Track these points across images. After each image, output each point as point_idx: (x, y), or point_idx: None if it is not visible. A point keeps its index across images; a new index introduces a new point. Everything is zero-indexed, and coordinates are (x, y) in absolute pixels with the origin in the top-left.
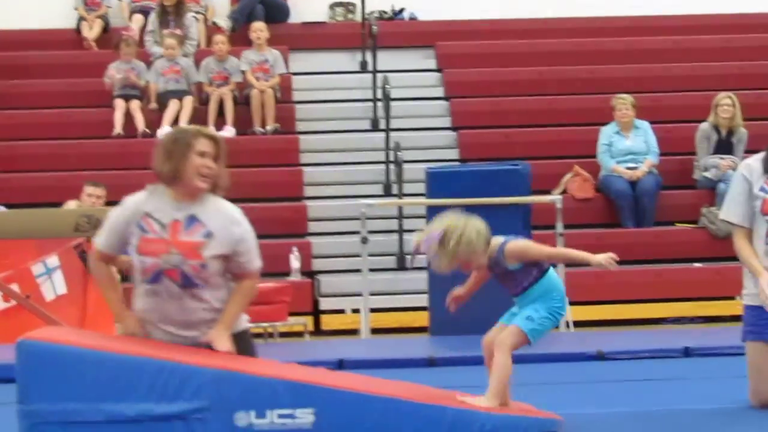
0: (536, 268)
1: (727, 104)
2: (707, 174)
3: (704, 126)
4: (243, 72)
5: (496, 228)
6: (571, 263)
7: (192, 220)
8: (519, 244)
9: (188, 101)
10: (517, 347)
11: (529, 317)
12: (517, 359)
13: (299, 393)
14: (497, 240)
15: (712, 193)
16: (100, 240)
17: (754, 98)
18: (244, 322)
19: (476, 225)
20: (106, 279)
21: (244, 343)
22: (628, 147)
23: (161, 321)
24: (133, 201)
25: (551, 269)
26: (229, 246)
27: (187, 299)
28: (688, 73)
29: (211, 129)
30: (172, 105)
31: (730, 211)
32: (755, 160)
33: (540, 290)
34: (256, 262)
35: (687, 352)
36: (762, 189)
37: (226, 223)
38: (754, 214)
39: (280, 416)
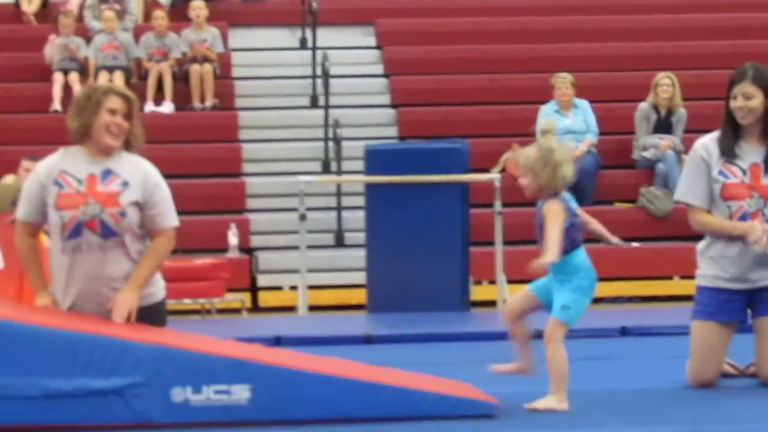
0: (566, 240)
1: (666, 84)
2: (646, 154)
3: (643, 106)
4: (184, 54)
5: (434, 206)
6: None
7: (107, 173)
8: (552, 209)
9: (118, 75)
10: (562, 337)
11: (565, 306)
12: (456, 338)
13: (236, 369)
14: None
15: (650, 172)
16: (20, 211)
17: (694, 78)
18: (161, 293)
19: (568, 167)
20: (28, 252)
21: (157, 315)
22: (568, 126)
23: (81, 280)
24: (45, 164)
25: (581, 249)
26: (143, 193)
27: (108, 251)
28: (629, 52)
29: (122, 87)
30: (102, 78)
31: (689, 192)
32: (711, 141)
33: (567, 266)
34: (170, 220)
35: (624, 332)
36: (721, 173)
37: (141, 172)
38: (713, 197)
39: (217, 392)
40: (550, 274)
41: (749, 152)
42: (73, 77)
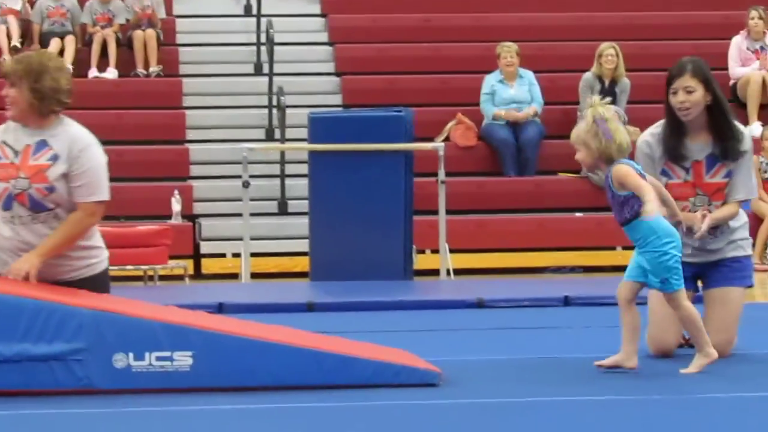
0: (638, 202)
1: (610, 54)
2: None
3: (587, 76)
4: (128, 20)
5: (378, 174)
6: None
7: (42, 144)
8: (622, 168)
9: (70, 41)
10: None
11: (664, 281)
12: (399, 306)
13: (178, 336)
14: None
15: None
16: None
17: (639, 49)
18: (103, 264)
19: (620, 134)
20: None
21: (99, 286)
22: (512, 96)
23: (15, 250)
24: None
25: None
26: (68, 164)
27: (38, 224)
28: (573, 22)
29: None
30: (54, 45)
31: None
32: (653, 138)
33: (645, 229)
34: (91, 194)
35: (567, 301)
36: (664, 172)
37: (70, 142)
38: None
39: (158, 358)
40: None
41: (692, 149)
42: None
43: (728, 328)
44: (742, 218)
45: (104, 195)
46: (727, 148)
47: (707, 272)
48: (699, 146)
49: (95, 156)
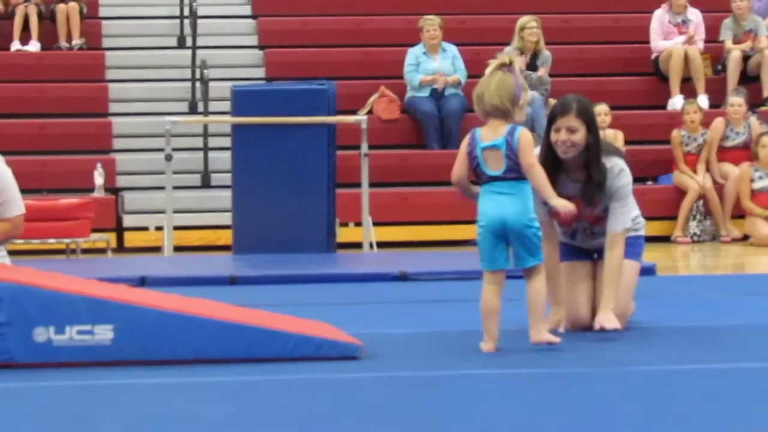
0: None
1: (533, 26)
2: None
3: (509, 49)
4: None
5: (301, 147)
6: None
7: None
8: (531, 138)
9: None
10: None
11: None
12: (321, 279)
13: (99, 309)
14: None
15: None
16: None
17: (560, 22)
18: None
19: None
20: None
21: None
22: (436, 68)
23: None
24: None
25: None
26: None
27: None
28: None
29: None
30: None
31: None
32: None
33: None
34: (13, 208)
35: None
36: (544, 202)
37: None
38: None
39: (80, 332)
40: None
41: (568, 185)
42: None
43: (621, 299)
44: (635, 208)
45: (22, 208)
46: (593, 190)
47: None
48: (574, 183)
49: (7, 172)
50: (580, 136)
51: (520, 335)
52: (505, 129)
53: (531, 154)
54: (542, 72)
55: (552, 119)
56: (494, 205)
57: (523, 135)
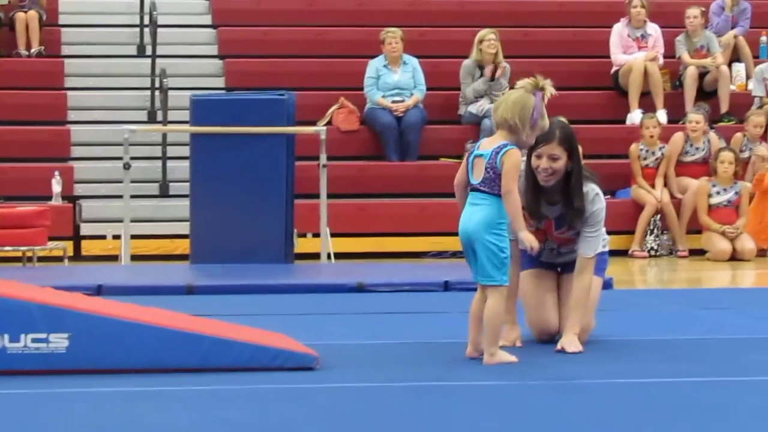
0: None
1: (492, 39)
2: (472, 109)
3: (468, 62)
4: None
5: (259, 157)
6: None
7: None
8: (518, 159)
9: None
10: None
11: None
12: (278, 289)
13: (54, 317)
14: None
15: (476, 128)
16: None
17: (520, 35)
18: None
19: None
20: None
21: None
22: (396, 81)
23: None
24: None
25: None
26: None
27: None
28: (455, 8)
29: None
30: None
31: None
32: None
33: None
34: None
35: (446, 286)
36: None
37: None
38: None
39: (34, 340)
40: None
41: (546, 208)
42: None
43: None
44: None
45: None
46: (572, 216)
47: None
48: (552, 207)
49: None
50: (562, 163)
51: None
52: (498, 143)
53: (512, 179)
54: (500, 73)
55: (534, 145)
56: (464, 216)
57: (509, 156)
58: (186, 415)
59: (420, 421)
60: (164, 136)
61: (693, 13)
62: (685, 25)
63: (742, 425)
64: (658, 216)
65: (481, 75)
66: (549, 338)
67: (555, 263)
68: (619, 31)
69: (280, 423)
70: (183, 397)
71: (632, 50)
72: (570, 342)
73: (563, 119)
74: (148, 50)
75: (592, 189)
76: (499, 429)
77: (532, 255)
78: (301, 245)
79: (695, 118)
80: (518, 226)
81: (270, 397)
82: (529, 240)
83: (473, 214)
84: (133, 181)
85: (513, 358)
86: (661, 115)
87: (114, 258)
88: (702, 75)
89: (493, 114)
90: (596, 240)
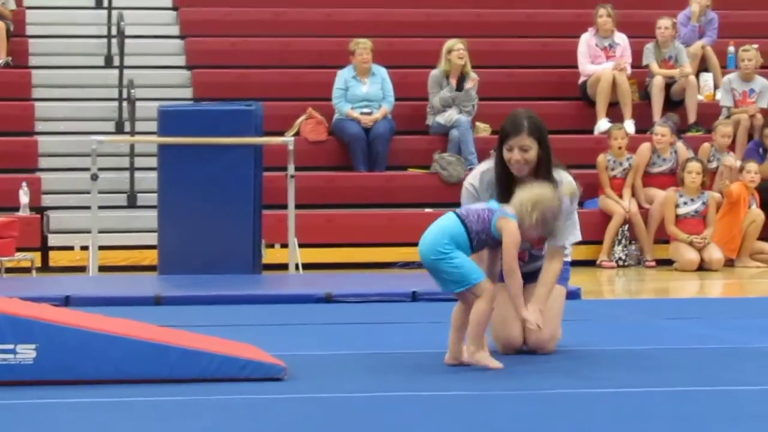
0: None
1: (460, 49)
2: (440, 120)
3: (435, 72)
4: None
5: (227, 168)
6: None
7: None
8: (515, 232)
9: None
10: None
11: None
12: (246, 300)
13: (21, 328)
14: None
15: (444, 138)
16: None
17: (488, 46)
18: None
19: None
20: None
21: None
22: (365, 93)
23: None
24: None
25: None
26: None
27: None
28: (423, 18)
29: None
30: None
31: None
32: (481, 185)
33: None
34: None
35: (414, 296)
36: None
37: None
38: None
39: (1, 351)
40: None
41: None
42: None
43: (549, 322)
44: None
45: None
46: None
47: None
48: None
49: None
50: (533, 153)
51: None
52: (506, 207)
53: (513, 257)
54: (470, 85)
55: (504, 138)
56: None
57: (508, 229)
58: (153, 426)
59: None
60: (132, 146)
61: (664, 24)
62: (656, 36)
63: None
64: (626, 226)
65: (450, 85)
66: (513, 352)
67: (525, 273)
68: (587, 41)
69: None
70: (150, 408)
71: (600, 60)
72: (533, 312)
73: (530, 110)
74: (116, 61)
75: (564, 177)
76: None
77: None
78: (269, 256)
79: (661, 131)
80: (519, 306)
81: (238, 407)
82: (532, 320)
83: (426, 234)
84: (100, 192)
85: (496, 364)
86: (629, 126)
87: (82, 269)
88: (669, 85)
89: (516, 192)
90: (567, 228)
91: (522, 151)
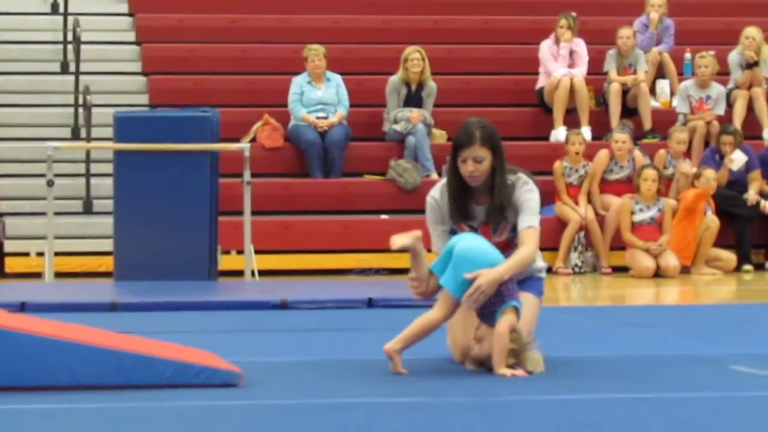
0: None
1: (416, 58)
2: (396, 127)
3: (393, 79)
4: None
5: (183, 174)
6: None
7: None
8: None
9: None
10: None
11: None
12: (202, 306)
13: None
14: None
15: (401, 145)
16: None
17: (445, 53)
18: None
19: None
20: None
21: None
22: (319, 98)
23: None
24: None
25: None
26: None
27: None
28: (379, 25)
29: None
30: None
31: (435, 245)
32: (442, 199)
33: None
34: None
35: (370, 303)
36: (453, 231)
37: None
38: None
39: None
40: None
41: (477, 211)
42: None
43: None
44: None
45: None
46: (498, 209)
47: None
48: (483, 208)
49: None
50: (487, 164)
51: (418, 363)
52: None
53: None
54: (426, 93)
55: (457, 149)
56: None
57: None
58: None
59: None
60: (88, 153)
61: (626, 33)
62: (617, 44)
63: None
64: (582, 233)
65: (408, 93)
66: (475, 363)
67: None
68: (546, 48)
69: None
70: (105, 414)
71: (559, 67)
72: (486, 275)
73: (482, 119)
74: (72, 67)
75: (520, 177)
76: None
77: None
78: (225, 262)
79: (621, 137)
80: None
81: (193, 414)
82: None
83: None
84: (56, 198)
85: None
86: (586, 132)
87: (38, 275)
88: (625, 92)
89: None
90: (535, 217)
91: (476, 163)
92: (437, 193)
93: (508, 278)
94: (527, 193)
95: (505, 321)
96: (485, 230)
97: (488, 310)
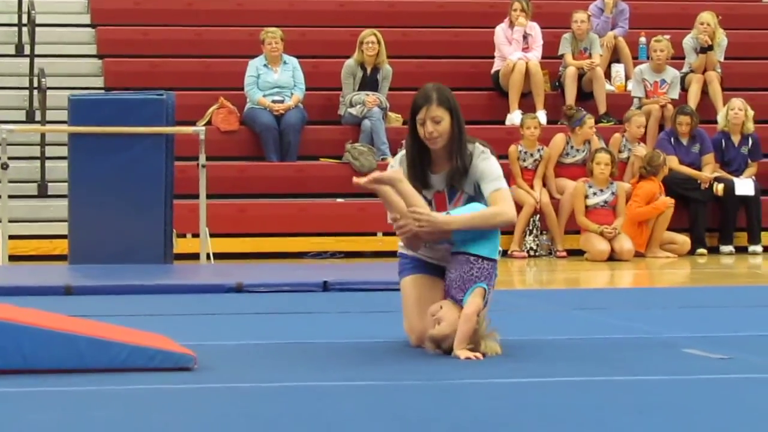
0: None
1: (372, 42)
2: (352, 110)
3: (349, 62)
4: None
5: (138, 157)
6: None
7: None
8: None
9: None
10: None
11: None
12: (157, 290)
13: None
14: None
15: (356, 129)
16: None
17: (400, 36)
18: None
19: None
20: None
21: None
22: (276, 80)
23: None
24: None
25: None
26: None
27: None
28: (335, 8)
29: None
30: None
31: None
32: (400, 167)
33: None
34: None
35: (325, 286)
36: None
37: None
38: None
39: None
40: None
41: (434, 180)
42: None
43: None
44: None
45: None
46: (456, 174)
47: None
48: (440, 177)
49: None
50: (446, 124)
51: (374, 346)
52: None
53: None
54: (381, 75)
55: (415, 111)
56: None
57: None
58: (61, 415)
59: (296, 422)
60: (42, 136)
61: (580, 17)
62: (572, 29)
63: (614, 425)
64: (537, 216)
65: (363, 76)
66: (434, 346)
67: (439, 265)
68: (500, 32)
69: (157, 424)
70: (58, 397)
71: (514, 51)
72: (436, 215)
73: (439, 83)
74: (27, 49)
75: (477, 147)
76: (374, 430)
77: (422, 256)
78: (181, 246)
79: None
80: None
81: (147, 397)
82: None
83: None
84: (11, 181)
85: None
86: (541, 116)
87: None
88: (581, 76)
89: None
90: (500, 180)
91: (434, 123)
92: (396, 162)
93: (454, 228)
94: (485, 161)
95: (473, 303)
96: (440, 199)
97: (458, 286)
